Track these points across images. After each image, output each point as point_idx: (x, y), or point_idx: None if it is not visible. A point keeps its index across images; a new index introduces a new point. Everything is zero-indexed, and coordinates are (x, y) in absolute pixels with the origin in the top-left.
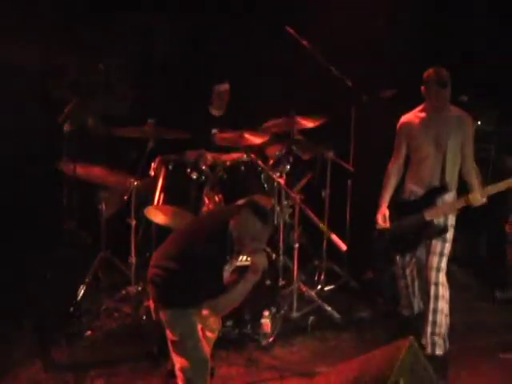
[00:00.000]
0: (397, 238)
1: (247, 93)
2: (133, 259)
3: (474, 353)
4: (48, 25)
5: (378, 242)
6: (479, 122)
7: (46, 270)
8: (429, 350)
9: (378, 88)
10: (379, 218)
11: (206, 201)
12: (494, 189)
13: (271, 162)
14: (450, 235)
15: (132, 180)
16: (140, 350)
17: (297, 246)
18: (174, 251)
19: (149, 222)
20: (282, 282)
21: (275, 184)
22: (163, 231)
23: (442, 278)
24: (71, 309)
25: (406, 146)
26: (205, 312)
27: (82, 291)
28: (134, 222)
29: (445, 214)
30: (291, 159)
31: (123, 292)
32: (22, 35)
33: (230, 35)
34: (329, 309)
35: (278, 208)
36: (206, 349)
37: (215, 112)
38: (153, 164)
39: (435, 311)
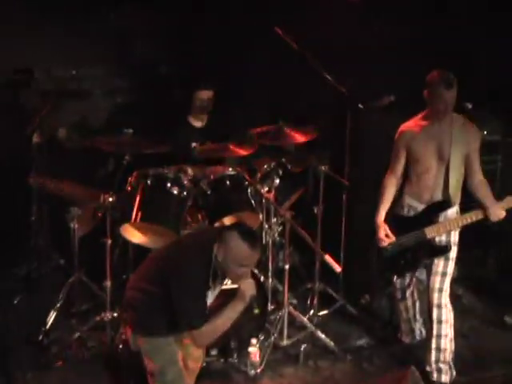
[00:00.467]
0: (395, 258)
1: (231, 102)
2: (108, 282)
3: None
4: (19, 26)
5: (375, 263)
6: (485, 132)
7: (12, 293)
8: (434, 376)
9: (375, 96)
10: (381, 235)
11: (188, 218)
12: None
13: (259, 175)
14: (453, 253)
15: (107, 196)
16: (116, 383)
17: (287, 267)
18: (153, 274)
19: (125, 242)
20: (271, 307)
21: (263, 200)
22: (141, 251)
23: (446, 299)
24: (40, 337)
25: (405, 156)
26: (186, 340)
27: (52, 317)
28: (109, 242)
29: (447, 232)
30: (281, 172)
31: (97, 318)
32: None
33: (213, 38)
34: (322, 336)
35: (266, 226)
36: (189, 381)
37: (196, 123)
38: (130, 178)
39: (439, 336)
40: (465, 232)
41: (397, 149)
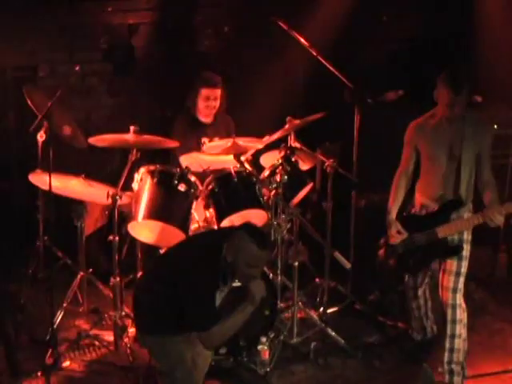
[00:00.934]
0: (406, 257)
1: (239, 96)
2: (116, 281)
3: (494, 380)
4: (21, 21)
5: (386, 260)
6: (495, 126)
7: (19, 293)
8: (446, 379)
9: (384, 90)
10: (393, 231)
11: (196, 216)
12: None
13: (267, 172)
14: (466, 252)
15: (114, 193)
16: (124, 383)
17: (296, 264)
18: (161, 274)
19: (133, 240)
20: (280, 304)
21: (272, 196)
22: (149, 249)
23: (460, 299)
24: (47, 337)
25: (416, 154)
26: (195, 339)
27: (59, 317)
28: (116, 239)
29: (459, 231)
30: (289, 169)
31: (105, 317)
32: None
33: (219, 32)
34: (333, 333)
35: (274, 223)
36: (198, 379)
37: (203, 118)
38: (136, 175)
39: (453, 337)
40: (476, 228)
41: (407, 146)
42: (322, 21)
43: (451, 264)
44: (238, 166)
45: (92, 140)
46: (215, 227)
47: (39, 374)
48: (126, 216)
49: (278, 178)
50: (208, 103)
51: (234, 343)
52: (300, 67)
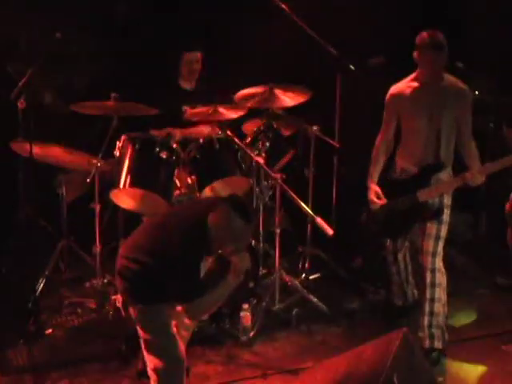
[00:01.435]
0: (387, 221)
1: (222, 63)
2: (97, 248)
3: (474, 345)
4: None
5: (367, 226)
6: (477, 92)
7: (1, 261)
8: (427, 343)
9: (366, 56)
10: (372, 196)
11: (178, 183)
12: (493, 166)
13: (249, 139)
14: (446, 216)
15: (95, 161)
16: (107, 349)
17: (278, 231)
18: (146, 244)
19: (115, 207)
20: (262, 271)
21: (253, 163)
22: (131, 217)
23: (439, 263)
24: (29, 305)
25: (396, 118)
26: (179, 308)
27: (41, 285)
28: (98, 207)
29: (440, 194)
30: (271, 135)
31: (87, 285)
32: None
33: None
34: (315, 300)
35: (257, 189)
36: (182, 347)
37: (185, 85)
38: (118, 143)
39: (432, 300)
40: (456, 194)
41: (387, 111)
42: None
43: (431, 228)
44: (220, 133)
45: (73, 107)
46: (197, 194)
47: (21, 341)
48: (108, 184)
49: (260, 144)
50: (191, 67)
51: (216, 310)
52: (284, 33)
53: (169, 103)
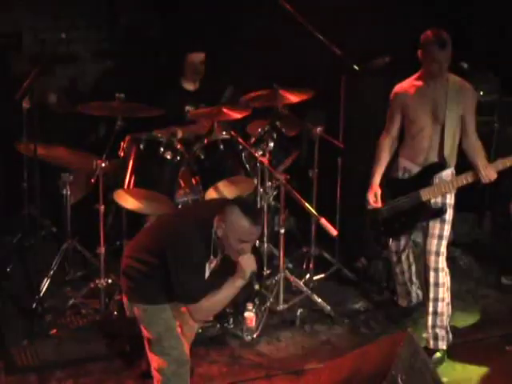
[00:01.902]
0: (390, 221)
1: (225, 64)
2: (102, 249)
3: (478, 345)
4: None
5: (371, 226)
6: (481, 93)
7: (5, 262)
8: (431, 343)
9: (370, 56)
10: (370, 198)
11: (182, 183)
12: (505, 163)
13: (253, 139)
14: (449, 216)
15: (99, 161)
16: (111, 349)
17: (282, 231)
18: (151, 244)
19: (119, 208)
20: (266, 272)
21: (258, 164)
22: (135, 217)
23: (442, 263)
24: (34, 305)
25: (400, 117)
26: (183, 308)
27: (46, 285)
28: (102, 208)
29: (443, 194)
30: (275, 136)
31: (91, 285)
32: None
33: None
34: (319, 300)
35: (261, 190)
36: (186, 347)
37: (188, 86)
38: (122, 143)
39: (436, 300)
40: (460, 194)
41: (391, 110)
42: None
43: (434, 227)
44: (224, 133)
45: (77, 107)
46: (201, 195)
47: (26, 341)
48: (112, 184)
49: (264, 145)
50: (195, 68)
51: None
52: (288, 33)
53: (172, 104)
